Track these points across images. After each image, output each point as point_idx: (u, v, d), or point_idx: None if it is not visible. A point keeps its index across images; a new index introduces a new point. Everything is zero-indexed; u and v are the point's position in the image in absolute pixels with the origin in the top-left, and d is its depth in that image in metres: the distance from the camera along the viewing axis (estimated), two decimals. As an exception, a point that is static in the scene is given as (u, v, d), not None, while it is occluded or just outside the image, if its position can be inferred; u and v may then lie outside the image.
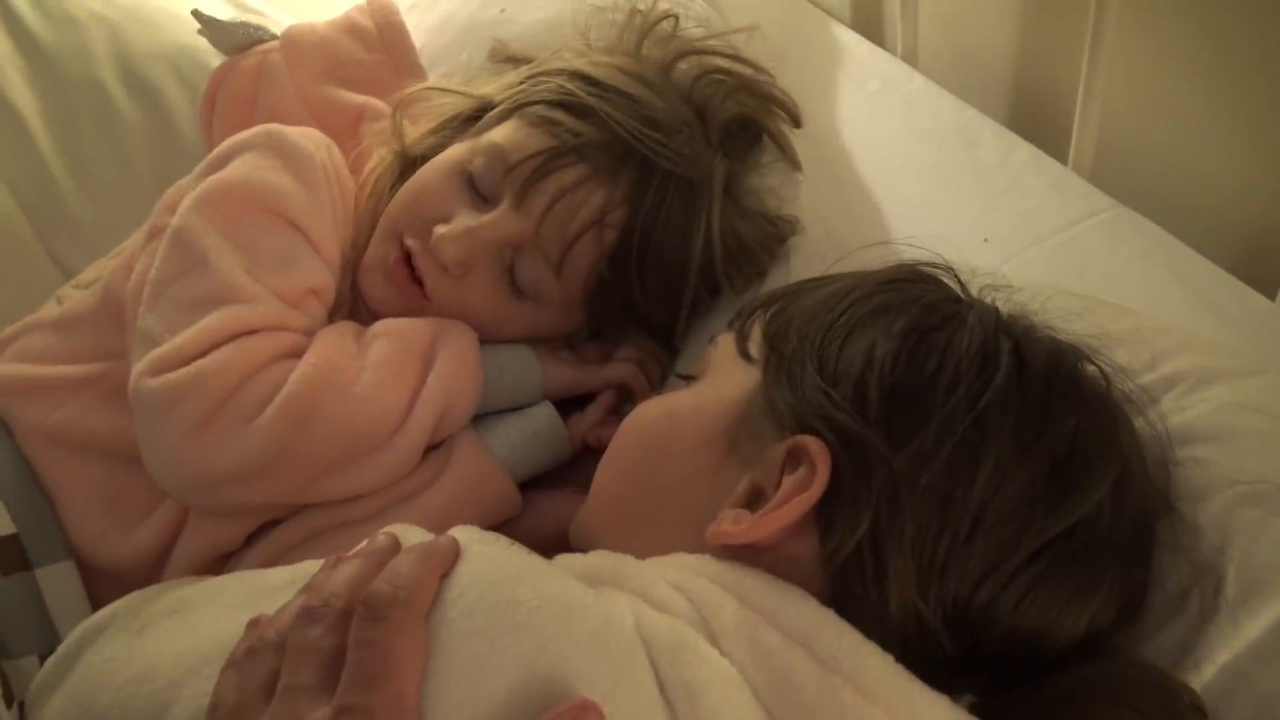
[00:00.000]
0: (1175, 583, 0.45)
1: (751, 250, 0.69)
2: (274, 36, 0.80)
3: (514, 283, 0.66)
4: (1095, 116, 0.83)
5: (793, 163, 0.75)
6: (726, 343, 0.52)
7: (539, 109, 0.66)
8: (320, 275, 0.64)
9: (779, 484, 0.44)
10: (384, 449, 0.60)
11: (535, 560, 0.42)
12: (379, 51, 0.81)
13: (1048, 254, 0.79)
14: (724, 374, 0.50)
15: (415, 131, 0.72)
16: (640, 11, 0.76)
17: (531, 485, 0.66)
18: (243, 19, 0.81)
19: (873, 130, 0.91)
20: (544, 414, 0.66)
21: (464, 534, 0.44)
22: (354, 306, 0.69)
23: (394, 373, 0.61)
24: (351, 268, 0.69)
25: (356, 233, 0.70)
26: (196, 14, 0.80)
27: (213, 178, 0.64)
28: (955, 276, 0.51)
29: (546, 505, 0.66)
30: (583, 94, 0.65)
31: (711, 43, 0.75)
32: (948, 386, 0.43)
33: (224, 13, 0.88)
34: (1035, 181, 0.85)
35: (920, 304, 0.47)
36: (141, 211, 0.78)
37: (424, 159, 0.69)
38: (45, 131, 0.79)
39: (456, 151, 0.67)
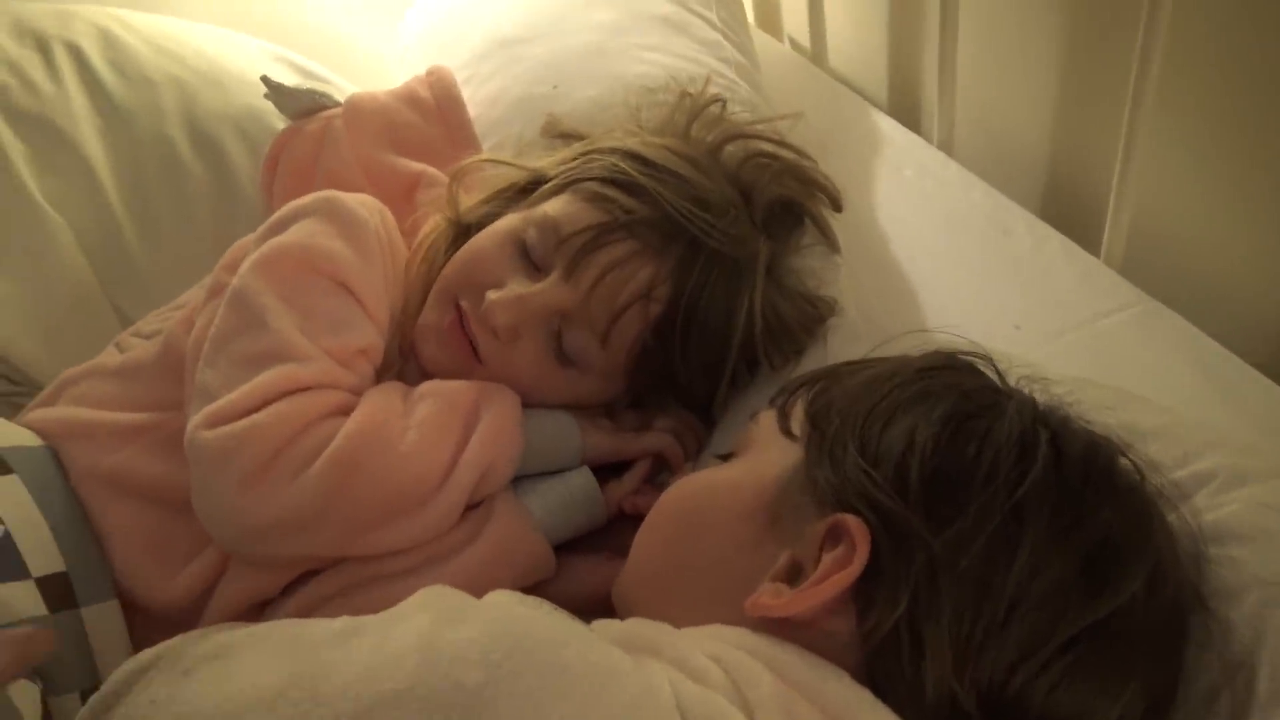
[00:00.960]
0: (1206, 680, 0.46)
1: (791, 329, 0.71)
2: (337, 103, 0.84)
3: (560, 350, 0.68)
4: (1128, 209, 0.85)
5: (833, 245, 0.78)
6: (768, 419, 0.54)
7: (592, 185, 0.68)
8: (370, 337, 0.66)
9: (818, 560, 0.45)
10: (425, 506, 0.62)
11: (577, 626, 0.43)
12: (436, 122, 0.84)
13: (1077, 344, 0.81)
14: (765, 450, 0.52)
15: (469, 200, 0.75)
16: (690, 95, 0.79)
17: (565, 548, 0.68)
18: (309, 85, 0.85)
19: (909, 215, 0.93)
20: (581, 479, 0.68)
21: (506, 598, 0.46)
22: (402, 367, 0.71)
23: (438, 432, 0.63)
24: (400, 329, 0.71)
25: (407, 296, 0.72)
26: (265, 79, 0.84)
27: (272, 241, 0.66)
28: (993, 366, 0.52)
29: (580, 569, 0.67)
30: (635, 173, 0.68)
31: (758, 127, 0.78)
32: (987, 473, 0.44)
33: (291, 80, 0.93)
34: (1066, 271, 0.86)
35: (960, 391, 0.48)
36: (200, 265, 0.82)
37: (477, 227, 0.72)
38: (115, 184, 0.82)
39: (511, 221, 0.70)
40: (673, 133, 0.75)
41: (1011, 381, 0.52)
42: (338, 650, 0.41)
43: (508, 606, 0.45)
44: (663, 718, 0.38)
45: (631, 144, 0.71)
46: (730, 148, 0.75)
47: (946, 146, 1.04)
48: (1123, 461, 0.49)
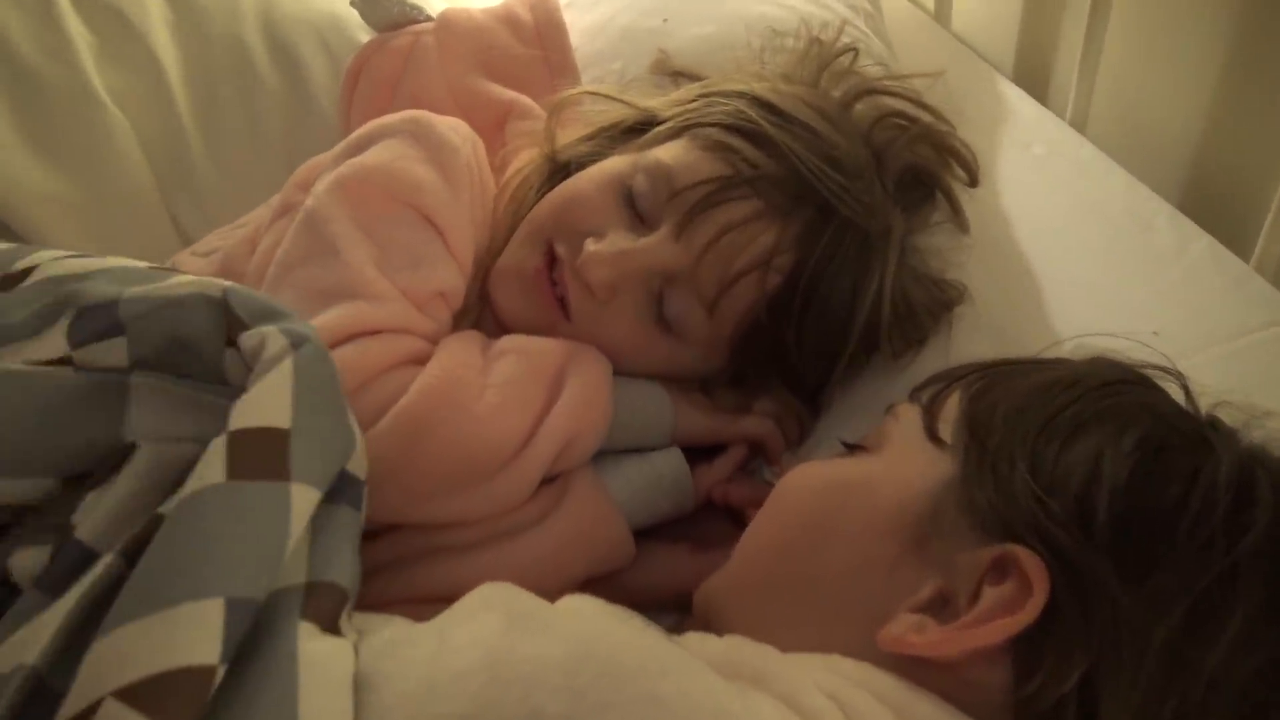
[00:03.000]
0: None
1: (917, 314, 0.63)
2: (429, 18, 0.77)
3: (660, 314, 0.61)
4: (1289, 217, 0.76)
5: (962, 225, 0.70)
6: (911, 417, 0.47)
7: (714, 132, 0.61)
8: (451, 278, 0.60)
9: (975, 595, 0.38)
10: (497, 476, 0.55)
11: (674, 650, 0.37)
12: (534, 47, 0.77)
13: (1223, 359, 0.72)
14: (907, 453, 0.45)
15: (567, 136, 0.68)
16: (820, 41, 0.71)
17: (643, 535, 0.61)
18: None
19: (1037, 198, 0.84)
20: (672, 460, 0.61)
21: (589, 606, 0.39)
22: (480, 314, 0.65)
23: (519, 395, 0.56)
24: (484, 272, 0.64)
25: (493, 236, 0.65)
26: None
27: (353, 161, 0.60)
28: (1186, 388, 0.44)
29: (659, 559, 0.61)
30: (764, 122, 0.60)
31: (894, 84, 0.70)
32: (1194, 522, 0.37)
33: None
34: (1214, 277, 0.78)
35: (1154, 414, 0.41)
36: (266, 183, 0.76)
37: (577, 166, 0.65)
38: (182, 86, 0.76)
39: (617, 164, 0.63)
40: (801, 81, 0.67)
41: (1204, 403, 0.45)
42: (387, 661, 0.35)
43: (593, 618, 0.38)
44: None
45: (760, 89, 0.63)
46: (862, 104, 0.67)
47: (1079, 124, 0.94)
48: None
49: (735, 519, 0.61)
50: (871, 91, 0.68)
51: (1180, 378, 0.45)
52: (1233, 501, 0.38)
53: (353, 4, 0.78)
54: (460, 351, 0.57)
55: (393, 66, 0.76)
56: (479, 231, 0.63)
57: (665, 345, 0.61)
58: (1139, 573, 0.37)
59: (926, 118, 0.69)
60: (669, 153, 0.61)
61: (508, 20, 0.77)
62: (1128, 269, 0.79)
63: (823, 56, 0.70)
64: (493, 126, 0.73)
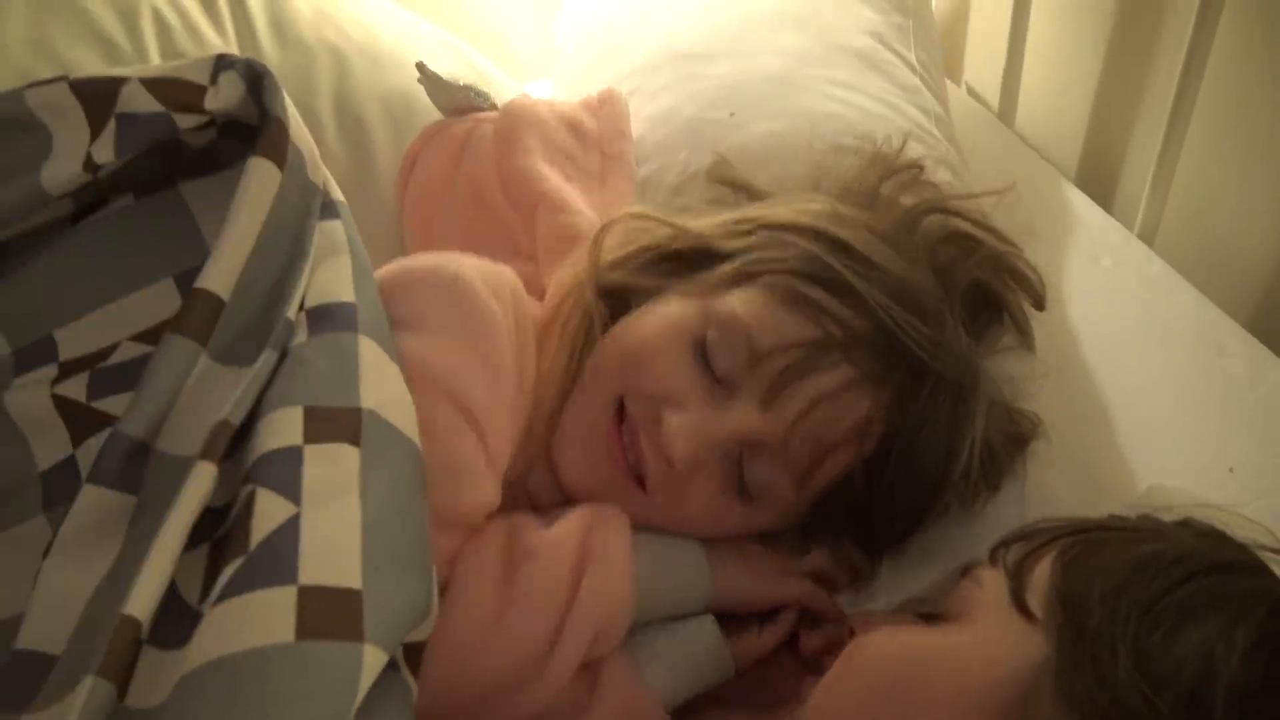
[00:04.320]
0: None
1: (998, 457, 0.61)
2: (494, 106, 0.76)
3: (741, 481, 0.57)
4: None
5: (1029, 346, 0.68)
6: (995, 585, 0.44)
7: (790, 281, 0.57)
8: (484, 492, 0.55)
9: None
10: (527, 687, 0.52)
11: None
12: (594, 152, 0.76)
13: (1304, 502, 0.69)
14: (992, 627, 0.42)
15: (612, 252, 0.64)
16: (883, 156, 0.69)
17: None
18: (466, 82, 0.77)
19: (1105, 315, 0.82)
20: (706, 635, 0.57)
21: None
22: (532, 475, 0.60)
23: (538, 604, 0.53)
24: (537, 431, 0.60)
25: (547, 369, 0.61)
26: (421, 67, 0.76)
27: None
28: (1281, 546, 0.42)
29: None
30: (842, 270, 0.56)
31: (960, 203, 0.67)
32: None
33: (451, 68, 0.85)
34: (1291, 411, 0.75)
35: (1269, 604, 0.38)
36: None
37: (625, 293, 0.62)
38: (253, 154, 0.76)
39: (684, 312, 0.58)
40: (860, 197, 0.65)
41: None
42: None
43: None
44: None
45: (828, 225, 0.59)
46: (926, 223, 0.64)
47: (1148, 236, 0.92)
48: None
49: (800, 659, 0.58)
50: (935, 210, 0.66)
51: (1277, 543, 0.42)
52: None
53: (420, 82, 0.77)
54: (476, 570, 0.53)
55: (451, 151, 0.75)
56: (525, 397, 0.59)
57: (742, 512, 0.58)
58: None
59: (992, 239, 0.66)
60: (744, 305, 0.57)
61: (573, 125, 0.76)
62: (1200, 396, 0.77)
63: (884, 170, 0.68)
64: (531, 208, 0.72)
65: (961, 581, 0.47)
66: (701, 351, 0.57)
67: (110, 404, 0.53)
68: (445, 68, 0.80)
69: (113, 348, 0.55)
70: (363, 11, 0.87)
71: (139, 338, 0.55)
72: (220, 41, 0.78)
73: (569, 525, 0.55)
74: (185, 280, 0.55)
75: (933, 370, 0.56)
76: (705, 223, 0.64)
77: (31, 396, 0.53)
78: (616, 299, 0.63)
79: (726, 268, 0.59)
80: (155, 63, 0.76)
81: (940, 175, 0.78)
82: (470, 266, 0.58)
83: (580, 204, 0.73)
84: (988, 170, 1.00)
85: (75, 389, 0.53)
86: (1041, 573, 0.43)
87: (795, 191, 0.67)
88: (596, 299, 0.62)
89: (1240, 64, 0.83)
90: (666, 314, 0.59)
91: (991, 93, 1.10)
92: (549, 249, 0.70)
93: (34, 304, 0.55)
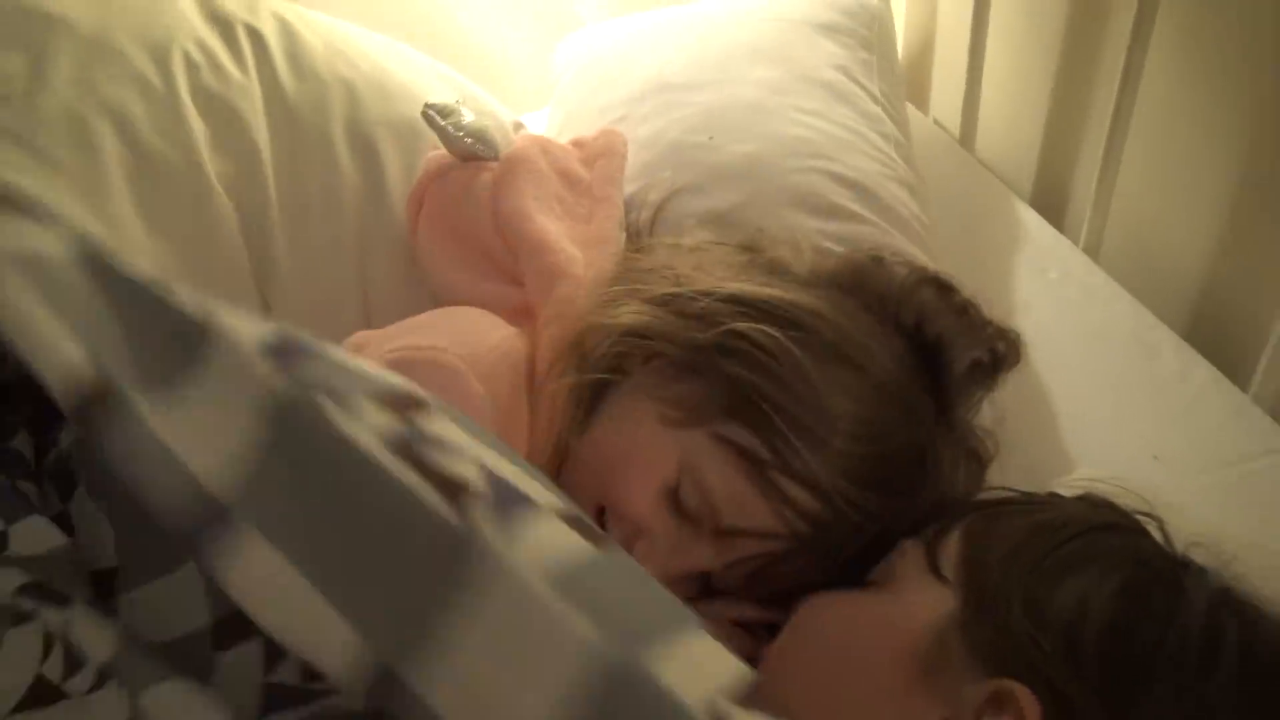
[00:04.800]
0: None
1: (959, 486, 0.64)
2: (495, 157, 0.84)
3: (705, 587, 0.63)
4: (1285, 350, 0.81)
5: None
6: (916, 554, 0.51)
7: (759, 451, 0.58)
8: None
9: None
10: None
11: None
12: (585, 198, 0.83)
13: (1218, 486, 0.77)
14: (912, 588, 0.50)
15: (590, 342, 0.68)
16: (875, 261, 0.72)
17: None
18: (468, 119, 0.84)
19: (1050, 322, 0.90)
20: None
21: None
22: None
23: None
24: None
25: (541, 430, 0.66)
26: (428, 118, 0.84)
27: None
28: (1163, 530, 0.49)
29: None
30: (799, 449, 0.57)
31: (940, 273, 0.70)
32: (1172, 660, 0.42)
33: (451, 100, 0.93)
34: (1214, 406, 0.83)
35: (1136, 558, 0.46)
36: (338, 265, 0.83)
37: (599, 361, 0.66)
38: (274, 174, 0.83)
39: (660, 450, 0.61)
40: (845, 281, 0.68)
41: (1179, 545, 0.49)
42: None
43: None
44: None
45: (795, 370, 0.59)
46: (911, 301, 0.66)
47: (1093, 251, 1.01)
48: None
49: None
50: (920, 285, 0.68)
51: (1159, 521, 0.50)
52: (1202, 646, 0.42)
53: (426, 119, 0.85)
54: None
55: (452, 196, 0.82)
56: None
57: (705, 605, 0.62)
58: (1123, 707, 0.41)
59: (970, 312, 0.69)
60: (713, 472, 0.59)
61: (567, 176, 0.83)
62: (1132, 393, 0.85)
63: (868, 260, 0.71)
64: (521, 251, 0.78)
65: (890, 554, 0.54)
66: (674, 494, 0.60)
67: None
68: (449, 99, 0.88)
69: None
70: (370, 47, 0.94)
71: None
72: (243, 79, 0.86)
73: None
74: None
75: (908, 509, 0.58)
76: (689, 315, 0.64)
77: None
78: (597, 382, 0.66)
79: (702, 411, 0.61)
80: (185, 98, 0.82)
81: (898, 192, 0.86)
82: (461, 359, 0.62)
83: (564, 243, 0.78)
84: (951, 192, 1.09)
85: None
86: (952, 541, 0.50)
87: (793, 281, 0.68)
88: (585, 393, 0.66)
89: (1169, 91, 0.91)
90: (644, 442, 0.62)
91: (954, 121, 1.18)
92: (535, 285, 0.76)
93: None
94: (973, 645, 0.45)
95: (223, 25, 0.88)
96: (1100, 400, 0.84)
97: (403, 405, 0.40)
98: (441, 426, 0.41)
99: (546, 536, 0.37)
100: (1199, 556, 0.48)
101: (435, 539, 0.33)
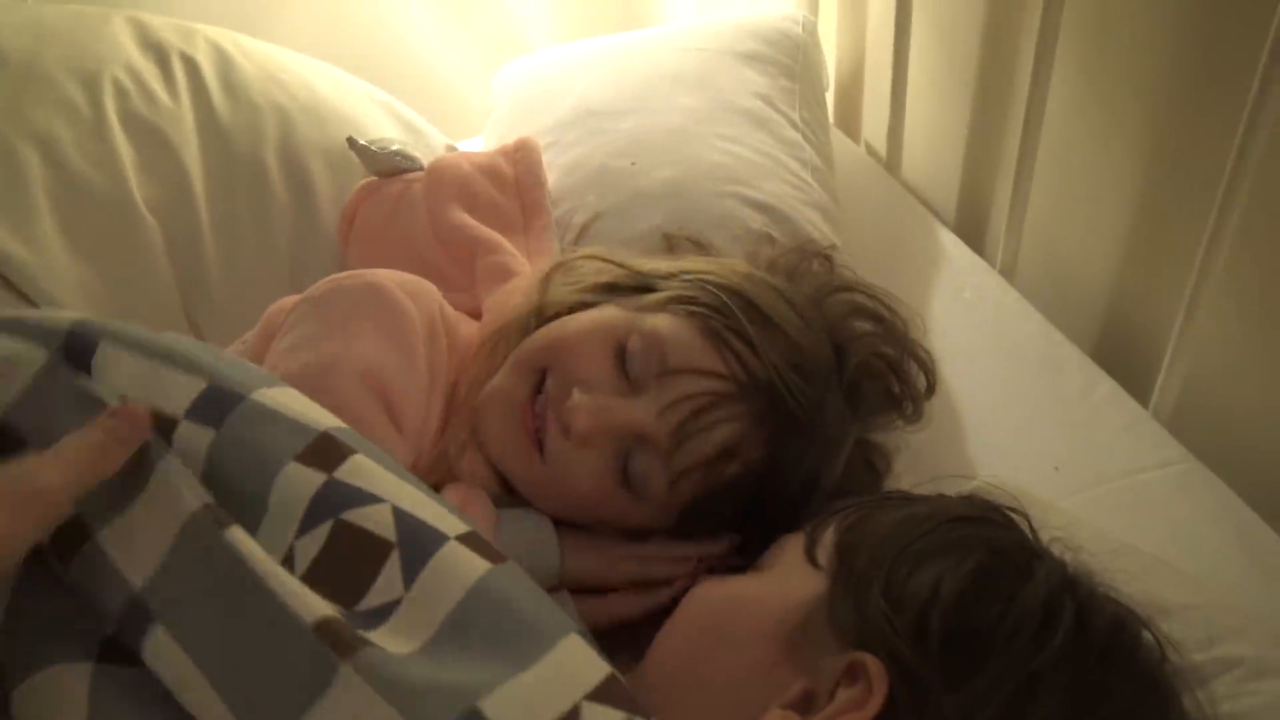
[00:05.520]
0: None
1: (860, 481, 0.70)
2: (421, 167, 0.87)
3: (625, 471, 0.65)
4: (1183, 366, 0.85)
5: (912, 420, 0.75)
6: (795, 543, 0.54)
7: (710, 319, 0.65)
8: (391, 448, 0.60)
9: (833, 695, 0.45)
10: None
11: None
12: (512, 195, 0.87)
13: (1115, 495, 0.80)
14: (789, 573, 0.52)
15: (557, 290, 0.73)
16: (803, 250, 0.80)
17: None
18: (396, 146, 0.88)
19: (963, 339, 0.94)
20: (546, 528, 0.66)
21: None
22: (464, 450, 0.69)
23: None
24: (464, 411, 0.69)
25: (475, 374, 0.70)
26: (351, 141, 0.87)
27: (306, 359, 0.63)
28: (1029, 523, 0.53)
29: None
30: (749, 326, 0.65)
31: (865, 285, 0.76)
32: (1007, 637, 0.45)
33: (387, 125, 0.96)
34: (1113, 419, 0.86)
35: (991, 546, 0.49)
36: (272, 288, 0.85)
37: (562, 311, 0.70)
38: (206, 198, 0.85)
39: (614, 317, 0.67)
40: (783, 271, 0.76)
41: (1044, 539, 0.53)
42: None
43: None
44: None
45: (748, 287, 0.68)
46: (834, 300, 0.74)
47: (1009, 273, 1.04)
48: (1146, 639, 0.49)
49: None
50: (843, 290, 0.75)
51: (1024, 515, 0.53)
52: (1039, 623, 0.45)
53: (351, 148, 0.88)
54: None
55: (384, 210, 0.86)
56: (446, 378, 0.68)
57: (621, 500, 0.65)
58: (960, 679, 0.44)
59: (890, 322, 0.74)
60: (666, 325, 0.65)
61: (491, 172, 0.87)
62: (1038, 407, 0.88)
63: (805, 252, 0.79)
64: (467, 256, 0.82)
65: (773, 545, 0.57)
66: (621, 352, 0.65)
67: None
68: (375, 134, 0.92)
69: None
70: (305, 73, 0.97)
71: None
72: (174, 105, 0.88)
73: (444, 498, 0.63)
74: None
75: (806, 424, 0.65)
76: (650, 264, 0.74)
77: None
78: (552, 319, 0.71)
79: (658, 295, 0.68)
80: (114, 124, 0.84)
81: (812, 216, 0.90)
82: (388, 274, 0.68)
83: (510, 247, 0.83)
84: (877, 216, 1.13)
85: None
86: (829, 532, 0.53)
87: (732, 261, 0.76)
88: (533, 312, 0.71)
89: (1069, 125, 0.96)
90: (598, 318, 0.68)
91: (882, 148, 1.23)
92: (487, 282, 0.81)
93: None
94: (835, 623, 0.48)
95: (157, 53, 0.91)
96: (1007, 414, 0.87)
97: (325, 461, 0.48)
98: (360, 475, 0.48)
99: (442, 577, 0.45)
100: (1057, 549, 0.51)
101: (301, 658, 0.41)
